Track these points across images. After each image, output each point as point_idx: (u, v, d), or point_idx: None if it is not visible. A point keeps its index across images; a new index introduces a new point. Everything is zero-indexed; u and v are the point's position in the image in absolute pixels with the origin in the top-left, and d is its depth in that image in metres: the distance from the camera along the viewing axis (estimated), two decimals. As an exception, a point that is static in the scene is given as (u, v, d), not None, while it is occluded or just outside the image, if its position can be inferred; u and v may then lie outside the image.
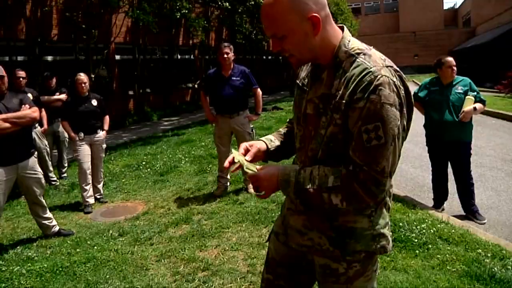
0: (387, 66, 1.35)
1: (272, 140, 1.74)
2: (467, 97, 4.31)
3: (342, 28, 1.48)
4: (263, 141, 1.72)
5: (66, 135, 6.66)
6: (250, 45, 21.07)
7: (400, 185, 5.68)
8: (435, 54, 41.99)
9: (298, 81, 1.62)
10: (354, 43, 1.43)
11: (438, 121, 4.41)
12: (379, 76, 1.30)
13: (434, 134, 4.58)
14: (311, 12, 1.35)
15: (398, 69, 1.39)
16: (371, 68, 1.32)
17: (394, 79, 1.33)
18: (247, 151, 1.63)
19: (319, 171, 1.39)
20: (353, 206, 1.38)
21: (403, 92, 1.35)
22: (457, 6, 56.48)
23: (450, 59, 4.41)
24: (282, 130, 1.83)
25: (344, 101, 1.34)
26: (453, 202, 4.86)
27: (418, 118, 4.89)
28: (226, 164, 1.57)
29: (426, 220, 4.02)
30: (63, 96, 6.62)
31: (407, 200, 4.82)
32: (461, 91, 4.36)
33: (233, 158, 1.55)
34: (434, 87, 4.54)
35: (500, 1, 39.76)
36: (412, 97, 1.41)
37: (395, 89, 1.31)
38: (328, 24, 1.41)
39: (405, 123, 1.38)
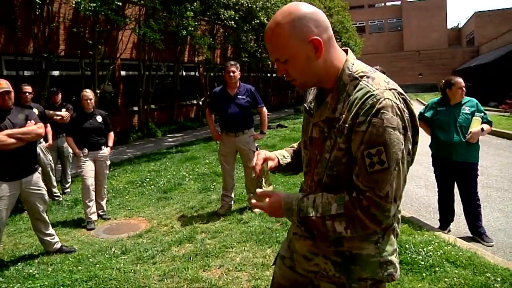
0: (390, 89, 1.33)
1: (285, 156, 1.76)
2: (474, 118, 4.29)
3: (346, 51, 1.48)
4: (276, 156, 1.74)
5: (70, 150, 6.68)
6: (255, 63, 21.21)
7: (406, 205, 5.62)
8: (439, 73, 42.43)
9: (305, 105, 1.62)
10: (358, 66, 1.41)
11: (445, 142, 4.39)
12: (381, 99, 1.28)
13: (440, 154, 4.54)
14: (312, 35, 1.35)
15: (402, 91, 1.37)
16: (373, 91, 1.31)
17: (398, 102, 1.31)
18: (266, 160, 1.65)
19: (323, 199, 1.38)
20: (357, 233, 1.35)
21: (407, 115, 1.33)
22: (461, 26, 56.90)
23: (460, 80, 4.39)
24: (296, 145, 1.84)
25: (347, 125, 1.33)
26: (459, 223, 4.79)
27: (423, 138, 4.86)
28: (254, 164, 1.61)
29: (433, 242, 3.96)
30: (65, 114, 6.62)
31: (413, 221, 4.76)
32: (468, 112, 4.34)
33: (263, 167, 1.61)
34: (441, 107, 4.52)
35: (503, 21, 40.21)
36: (417, 120, 1.39)
37: (398, 112, 1.29)
38: (331, 46, 1.41)
39: (410, 147, 1.35)
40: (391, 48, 51.14)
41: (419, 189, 6.46)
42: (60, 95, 6.87)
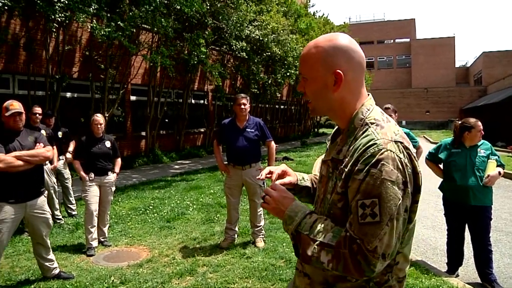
0: (396, 141, 1.29)
1: (304, 179, 1.73)
2: (489, 161, 4.21)
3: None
4: (296, 174, 1.71)
5: (67, 171, 6.80)
6: (264, 93, 21.38)
7: (412, 247, 5.46)
8: (446, 111, 42.48)
9: (326, 140, 1.64)
10: (373, 113, 1.40)
11: (462, 185, 4.25)
12: (383, 150, 1.25)
13: (456, 198, 4.38)
14: (337, 67, 1.37)
15: (409, 146, 1.33)
16: (377, 140, 1.28)
17: (401, 156, 1.27)
18: (281, 176, 1.66)
19: (323, 224, 1.34)
20: (338, 272, 1.29)
21: (409, 170, 1.28)
22: (468, 65, 57.40)
23: (479, 122, 4.33)
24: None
25: (346, 170, 1.31)
26: (467, 268, 4.67)
27: (431, 178, 4.80)
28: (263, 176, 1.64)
29: (441, 288, 3.85)
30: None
31: (420, 263, 4.64)
32: (484, 155, 4.26)
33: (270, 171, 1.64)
34: (455, 149, 4.42)
35: (511, 62, 40.50)
36: (420, 179, 1.34)
37: (400, 166, 1.25)
38: (355, 87, 1.42)
39: (408, 204, 1.29)
40: (399, 84, 51.54)
41: (426, 230, 6.33)
42: (53, 119, 6.93)
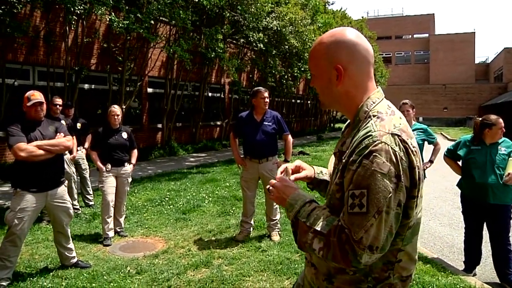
0: (393, 134, 1.28)
1: (322, 173, 1.75)
2: (510, 159, 4.12)
3: None
4: (313, 169, 1.73)
5: (85, 162, 6.93)
6: (281, 87, 21.31)
7: (428, 244, 5.44)
8: (465, 108, 41.78)
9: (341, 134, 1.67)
10: (378, 106, 1.40)
11: (481, 183, 4.18)
12: (377, 142, 1.25)
13: (475, 196, 4.31)
14: (338, 62, 1.39)
15: (408, 140, 1.30)
16: (373, 132, 1.28)
17: (396, 149, 1.25)
18: (296, 171, 1.68)
19: (320, 213, 1.36)
20: (328, 260, 1.30)
21: (405, 164, 1.26)
22: (489, 61, 56.32)
23: (501, 120, 4.24)
24: None
25: (344, 161, 1.34)
26: (485, 267, 4.61)
27: (448, 175, 4.74)
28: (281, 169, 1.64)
29: (458, 286, 3.80)
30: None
31: (436, 261, 4.60)
32: (505, 152, 4.17)
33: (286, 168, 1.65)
34: (475, 146, 4.34)
35: (533, 59, 39.57)
36: (418, 173, 1.30)
37: (394, 159, 1.24)
38: (359, 81, 1.43)
39: (401, 198, 1.26)
40: (417, 80, 50.85)
41: (442, 227, 6.25)
42: (73, 110, 7.02)
